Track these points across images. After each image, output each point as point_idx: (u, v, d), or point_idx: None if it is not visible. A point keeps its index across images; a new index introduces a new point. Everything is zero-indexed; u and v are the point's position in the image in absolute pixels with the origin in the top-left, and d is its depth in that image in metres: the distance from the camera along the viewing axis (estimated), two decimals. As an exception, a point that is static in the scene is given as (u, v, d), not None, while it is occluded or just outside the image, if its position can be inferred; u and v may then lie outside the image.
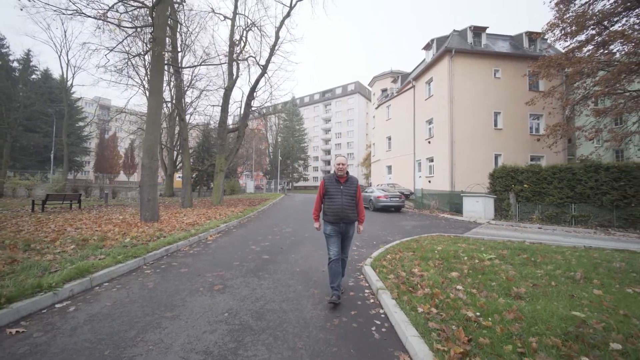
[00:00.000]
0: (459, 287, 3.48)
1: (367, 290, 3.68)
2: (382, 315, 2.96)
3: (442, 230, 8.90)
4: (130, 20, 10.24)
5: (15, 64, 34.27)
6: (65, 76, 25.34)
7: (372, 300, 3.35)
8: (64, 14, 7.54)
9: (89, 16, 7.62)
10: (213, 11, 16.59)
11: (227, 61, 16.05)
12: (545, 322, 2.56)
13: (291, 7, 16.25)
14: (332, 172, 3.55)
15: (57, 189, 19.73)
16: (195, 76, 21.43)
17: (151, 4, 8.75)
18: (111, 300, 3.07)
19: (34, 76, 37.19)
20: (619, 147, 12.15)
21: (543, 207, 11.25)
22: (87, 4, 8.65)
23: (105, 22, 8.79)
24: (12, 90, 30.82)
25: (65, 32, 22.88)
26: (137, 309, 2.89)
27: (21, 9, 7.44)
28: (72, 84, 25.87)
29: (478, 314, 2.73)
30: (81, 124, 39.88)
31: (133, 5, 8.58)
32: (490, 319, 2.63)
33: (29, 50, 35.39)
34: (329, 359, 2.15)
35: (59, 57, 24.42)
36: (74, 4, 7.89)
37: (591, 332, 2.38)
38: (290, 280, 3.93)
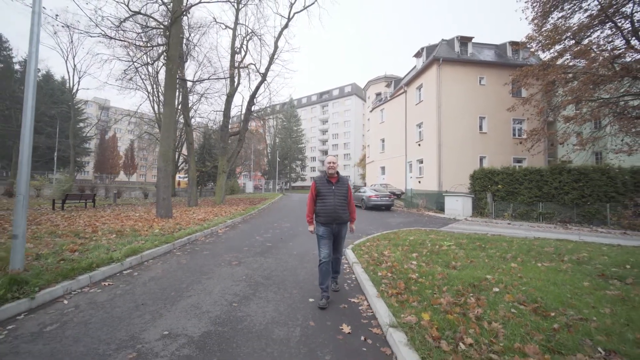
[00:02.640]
0: (414, 262, 4.71)
1: (345, 265, 4.90)
2: (353, 278, 4.20)
3: (422, 226, 10.14)
4: (146, 40, 11.35)
5: (17, 66, 35.19)
6: (71, 80, 26.38)
7: (348, 271, 4.59)
8: (91, 36, 8.66)
9: (114, 38, 8.76)
10: (215, 20, 17.74)
11: (230, 73, 17.19)
12: (461, 280, 3.79)
13: (289, 19, 17.43)
14: (323, 172, 3.58)
15: (65, 189, 20.70)
16: (196, 80, 22.54)
17: (166, 24, 9.93)
18: (160, 269, 4.27)
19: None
20: (584, 150, 13.41)
21: (515, 205, 12.55)
22: (102, 19, 9.84)
23: (117, 37, 9.96)
24: (18, 92, 31.77)
25: (71, 37, 23.95)
26: (181, 274, 4.10)
27: (55, 33, 8.54)
28: (77, 88, 26.90)
29: (418, 275, 3.96)
30: (82, 124, 40.79)
31: (150, 26, 9.72)
32: (424, 278, 3.86)
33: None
34: (313, 297, 3.38)
35: (66, 62, 25.49)
36: (97, 26, 9.03)
37: (487, 284, 3.62)
38: (288, 259, 5.14)
